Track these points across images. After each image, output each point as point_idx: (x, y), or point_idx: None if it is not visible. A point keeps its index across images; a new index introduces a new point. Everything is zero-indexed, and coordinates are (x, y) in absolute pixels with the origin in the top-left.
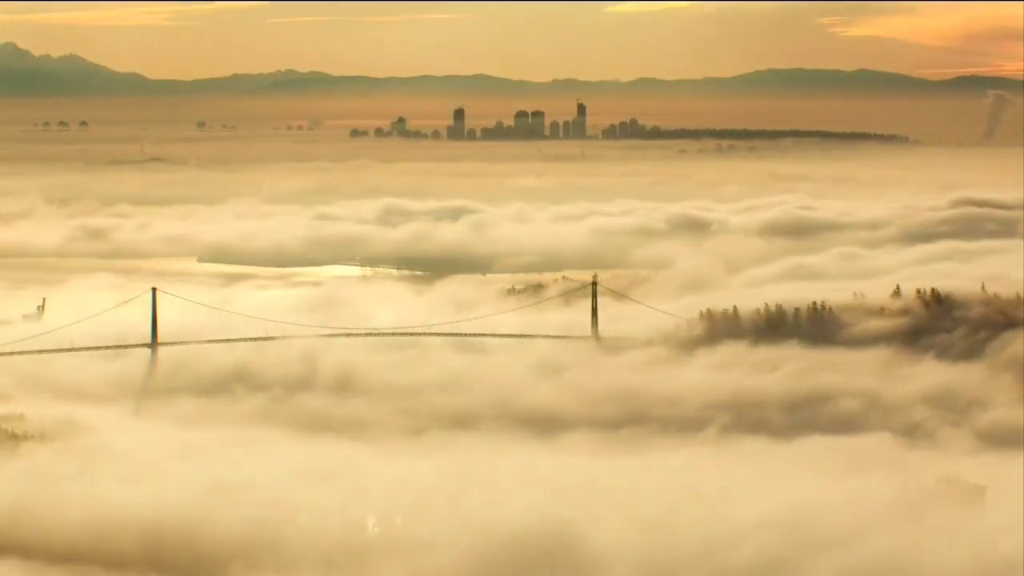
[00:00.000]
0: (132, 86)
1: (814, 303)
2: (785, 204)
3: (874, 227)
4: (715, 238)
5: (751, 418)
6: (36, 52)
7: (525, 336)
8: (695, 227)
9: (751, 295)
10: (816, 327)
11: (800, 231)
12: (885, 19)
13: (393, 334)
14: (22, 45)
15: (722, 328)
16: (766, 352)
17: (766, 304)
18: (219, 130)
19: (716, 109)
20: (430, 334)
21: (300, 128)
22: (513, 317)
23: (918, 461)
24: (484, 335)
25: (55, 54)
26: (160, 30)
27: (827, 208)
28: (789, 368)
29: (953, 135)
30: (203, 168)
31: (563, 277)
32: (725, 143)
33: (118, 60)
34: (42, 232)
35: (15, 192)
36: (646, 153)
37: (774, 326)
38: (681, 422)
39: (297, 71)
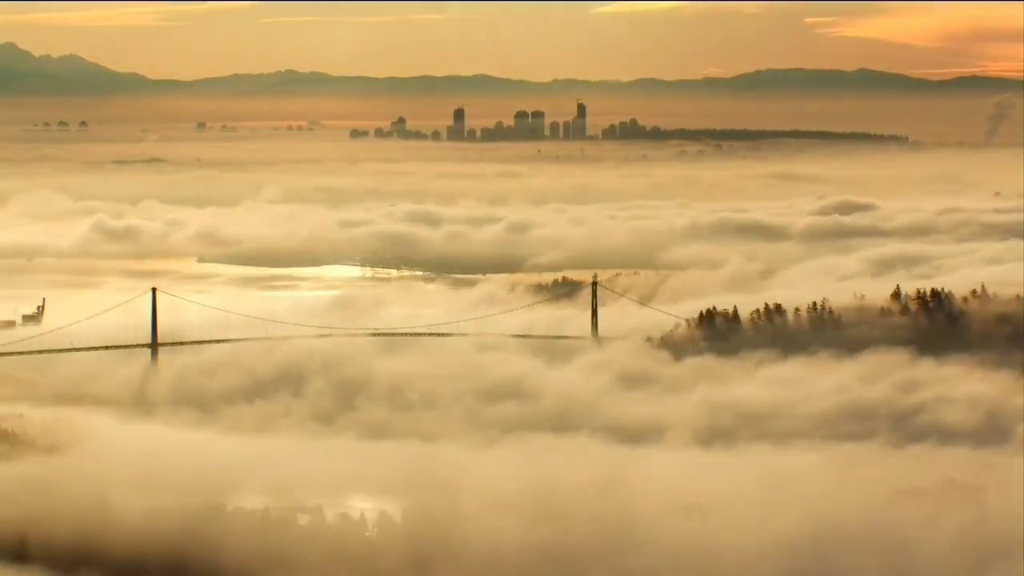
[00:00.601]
0: (132, 86)
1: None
2: (818, 205)
3: (923, 229)
4: (733, 238)
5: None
6: (36, 52)
7: (526, 336)
8: (709, 227)
9: (787, 296)
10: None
11: (837, 233)
12: (884, 19)
13: (394, 334)
14: (22, 45)
15: (722, 330)
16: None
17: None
18: (219, 131)
19: (716, 109)
20: (431, 334)
21: (300, 128)
22: (517, 317)
23: None
24: (484, 334)
25: (55, 54)
26: (151, 30)
27: (879, 209)
28: (897, 376)
29: (953, 135)
30: (204, 168)
31: (563, 277)
32: (725, 143)
33: (118, 60)
34: (41, 233)
35: (15, 193)
36: (647, 153)
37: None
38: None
39: (297, 71)
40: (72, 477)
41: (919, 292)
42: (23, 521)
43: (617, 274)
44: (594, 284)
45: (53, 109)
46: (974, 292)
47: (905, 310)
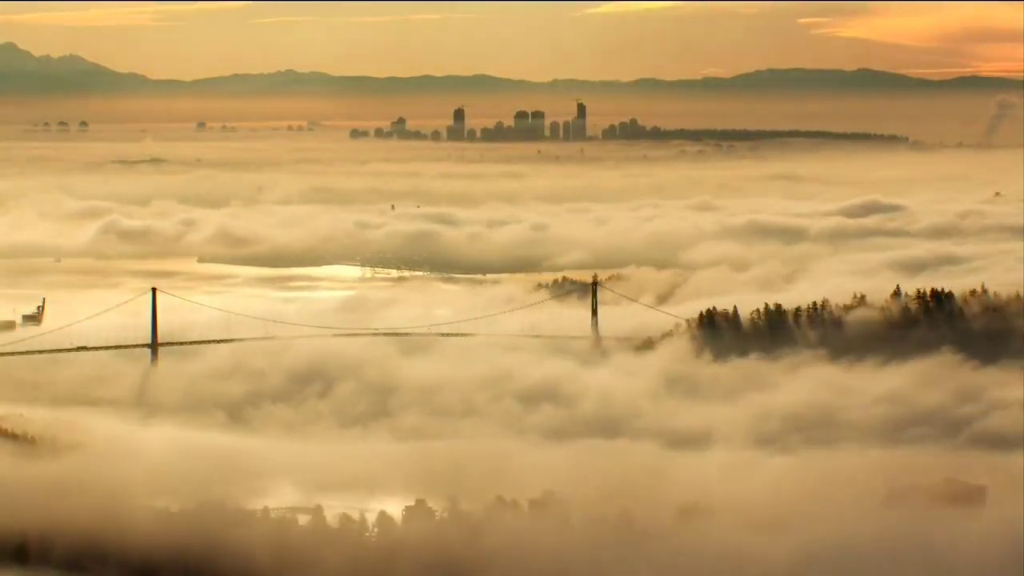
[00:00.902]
0: (132, 86)
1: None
2: (839, 205)
3: (949, 231)
4: (756, 238)
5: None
6: (36, 52)
7: (527, 336)
8: (731, 228)
9: (813, 296)
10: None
11: (861, 233)
12: (877, 20)
13: (395, 334)
14: (22, 45)
15: (724, 329)
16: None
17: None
18: (219, 131)
19: (716, 109)
20: (433, 334)
21: (300, 128)
22: (526, 316)
23: None
24: (483, 335)
25: (55, 54)
26: (151, 30)
27: (903, 209)
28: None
29: (953, 135)
30: (205, 168)
31: (563, 278)
32: (725, 143)
33: (118, 60)
34: (38, 233)
35: (19, 194)
36: (648, 154)
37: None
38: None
39: (297, 71)
40: (73, 477)
41: (949, 293)
42: (25, 521)
43: (616, 274)
44: (594, 284)
45: (53, 109)
46: (1000, 294)
47: (939, 312)
